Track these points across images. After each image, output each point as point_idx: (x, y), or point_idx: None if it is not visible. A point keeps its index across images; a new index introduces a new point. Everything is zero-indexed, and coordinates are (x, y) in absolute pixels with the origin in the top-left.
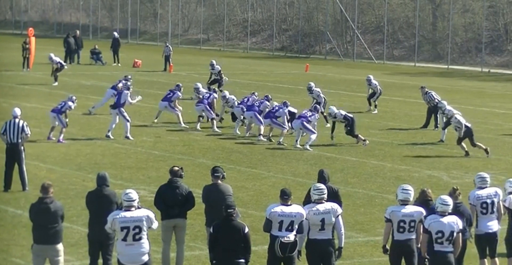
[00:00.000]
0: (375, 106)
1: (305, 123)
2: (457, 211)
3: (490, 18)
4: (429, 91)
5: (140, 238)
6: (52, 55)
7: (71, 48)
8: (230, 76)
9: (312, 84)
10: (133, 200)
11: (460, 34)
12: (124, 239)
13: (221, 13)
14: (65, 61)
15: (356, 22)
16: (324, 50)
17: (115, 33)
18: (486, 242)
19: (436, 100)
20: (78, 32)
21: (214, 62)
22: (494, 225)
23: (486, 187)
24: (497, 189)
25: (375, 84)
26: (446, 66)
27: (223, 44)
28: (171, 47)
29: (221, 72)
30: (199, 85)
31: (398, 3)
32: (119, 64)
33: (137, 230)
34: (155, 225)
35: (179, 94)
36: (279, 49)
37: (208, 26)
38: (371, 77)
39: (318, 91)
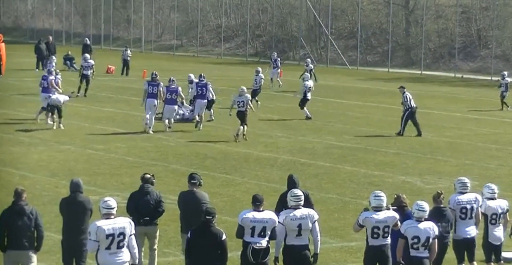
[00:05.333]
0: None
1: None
2: (442, 215)
3: (463, 24)
4: (406, 92)
5: (123, 246)
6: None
7: (42, 55)
8: None
9: (192, 75)
10: (112, 208)
11: (433, 40)
12: (108, 248)
13: (195, 19)
14: (36, 68)
15: (330, 28)
16: (297, 56)
17: (86, 39)
18: (464, 247)
19: (409, 103)
20: (50, 38)
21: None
22: (472, 230)
23: (466, 192)
24: (477, 195)
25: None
26: (420, 72)
27: (197, 50)
28: (129, 52)
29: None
30: None
31: (371, 9)
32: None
33: (121, 237)
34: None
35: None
36: (253, 55)
37: (182, 32)
38: (506, 73)
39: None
